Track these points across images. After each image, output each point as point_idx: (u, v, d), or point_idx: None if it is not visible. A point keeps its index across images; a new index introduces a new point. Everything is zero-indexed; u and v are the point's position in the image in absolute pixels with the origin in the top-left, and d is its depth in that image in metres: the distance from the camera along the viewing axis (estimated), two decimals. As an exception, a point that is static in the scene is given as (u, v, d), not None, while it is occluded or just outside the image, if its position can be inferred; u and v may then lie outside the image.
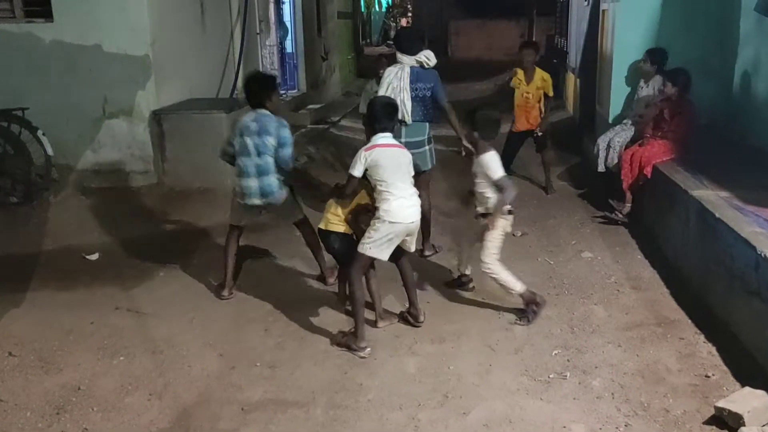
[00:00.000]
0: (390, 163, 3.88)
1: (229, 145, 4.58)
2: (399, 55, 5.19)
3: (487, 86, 16.18)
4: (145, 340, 4.07)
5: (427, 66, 5.16)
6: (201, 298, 4.70)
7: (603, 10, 8.05)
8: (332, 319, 4.34)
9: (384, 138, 3.95)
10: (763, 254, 3.43)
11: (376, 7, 32.62)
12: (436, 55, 5.25)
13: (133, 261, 5.41)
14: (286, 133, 4.49)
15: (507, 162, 7.13)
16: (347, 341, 3.97)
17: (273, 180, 4.49)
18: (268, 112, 4.49)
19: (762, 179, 4.93)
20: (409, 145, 4.61)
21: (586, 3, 9.61)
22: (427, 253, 5.38)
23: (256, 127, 4.43)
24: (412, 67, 5.13)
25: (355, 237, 4.08)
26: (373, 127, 3.99)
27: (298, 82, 12.19)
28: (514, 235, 5.83)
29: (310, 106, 11.75)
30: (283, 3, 11.51)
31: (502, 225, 4.31)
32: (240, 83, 8.61)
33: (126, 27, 6.54)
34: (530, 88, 7.01)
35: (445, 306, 4.52)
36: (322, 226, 4.18)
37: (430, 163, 5.31)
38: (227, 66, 8.50)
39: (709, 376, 3.47)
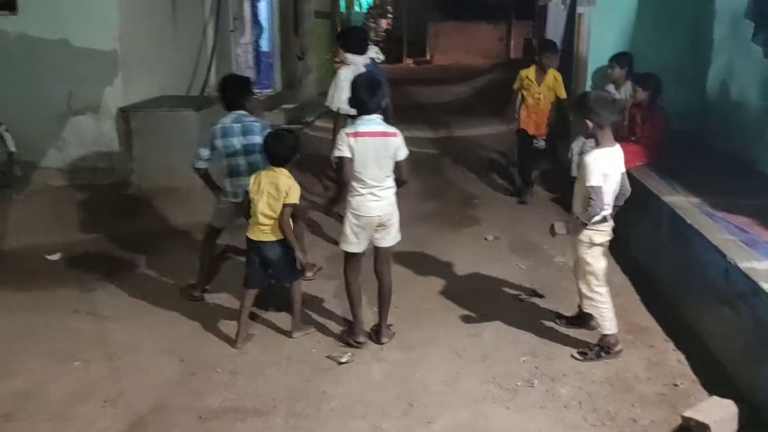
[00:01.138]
0: (366, 157, 3.70)
1: (204, 149, 4.47)
2: (351, 56, 5.27)
3: (465, 89, 16.14)
4: (102, 344, 3.93)
5: (378, 61, 5.39)
6: (164, 301, 4.55)
7: (579, 14, 8.03)
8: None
9: (368, 124, 3.73)
10: (733, 262, 3.40)
11: (356, 7, 32.53)
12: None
13: (96, 262, 5.25)
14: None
15: (529, 163, 6.99)
16: (345, 337, 3.99)
17: None
18: (246, 113, 4.51)
19: (733, 185, 4.93)
20: None
21: (563, 7, 9.61)
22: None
23: (240, 128, 4.45)
24: (366, 65, 5.27)
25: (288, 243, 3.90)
26: (357, 110, 3.82)
27: (273, 81, 12.02)
28: (486, 239, 5.80)
29: (285, 106, 11.59)
30: (258, 1, 11.35)
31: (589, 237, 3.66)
32: (212, 81, 8.47)
33: (93, 21, 6.34)
34: (542, 89, 6.67)
35: (414, 311, 4.43)
36: (253, 237, 3.93)
37: None
38: (199, 63, 8.32)
39: (677, 385, 3.43)
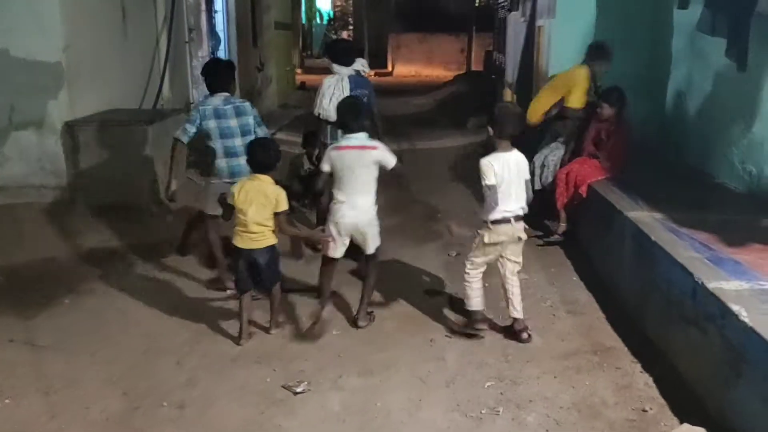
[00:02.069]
0: (341, 167, 4.08)
1: (191, 126, 4.63)
2: (336, 67, 5.44)
3: (427, 101, 16.10)
4: (38, 377, 3.64)
5: (363, 73, 5.61)
6: (109, 328, 4.29)
7: (539, 27, 8.01)
8: (256, 348, 4.03)
9: (348, 140, 4.16)
10: (700, 282, 3.31)
11: (317, 19, 32.39)
12: (376, 68, 5.60)
13: (37, 286, 4.92)
14: (256, 112, 4.85)
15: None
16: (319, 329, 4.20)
17: None
18: (231, 95, 4.75)
19: (695, 198, 4.90)
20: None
21: (523, 19, 9.61)
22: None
23: (232, 110, 4.67)
24: (350, 76, 5.44)
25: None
26: (342, 130, 4.32)
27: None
28: (449, 255, 5.66)
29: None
30: (215, 12, 11.11)
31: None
32: (165, 94, 8.20)
33: (36, 30, 6.03)
34: None
35: (374, 333, 4.26)
36: (242, 245, 4.00)
37: None
38: (152, 76, 8.05)
39: (646, 410, 3.31)
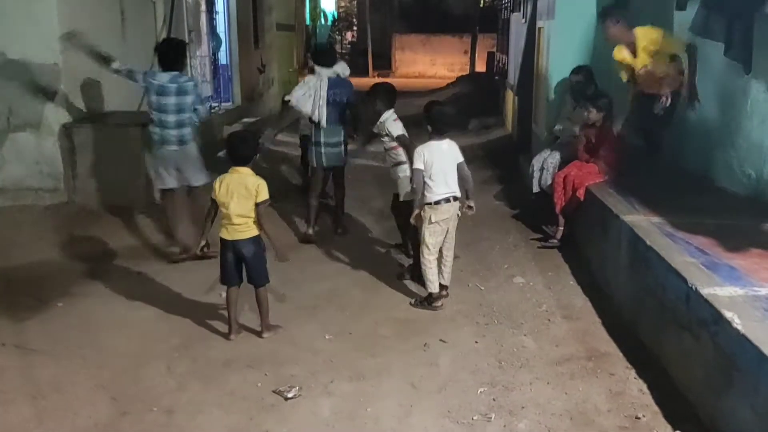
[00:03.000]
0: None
1: (131, 73, 5.27)
2: (318, 68, 5.88)
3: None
4: (27, 382, 3.62)
5: (343, 76, 5.90)
6: (101, 332, 4.26)
7: (539, 28, 7.97)
8: (248, 352, 3.99)
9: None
10: (694, 288, 3.26)
11: (322, 20, 32.39)
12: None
13: (31, 289, 4.90)
14: (200, 91, 5.34)
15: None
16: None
17: (188, 131, 5.24)
18: (180, 73, 5.18)
19: (692, 203, 4.85)
20: (326, 145, 5.88)
21: (523, 20, 9.57)
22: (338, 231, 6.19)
23: (175, 89, 5.12)
24: (329, 78, 5.80)
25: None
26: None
27: (232, 95, 11.77)
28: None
29: (245, 120, 11.34)
30: (216, 13, 11.10)
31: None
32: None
33: (33, 33, 6.05)
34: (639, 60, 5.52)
35: (367, 338, 4.22)
36: (227, 237, 4.05)
37: (337, 161, 6.04)
38: (151, 77, 8.04)
39: (639, 418, 3.26)
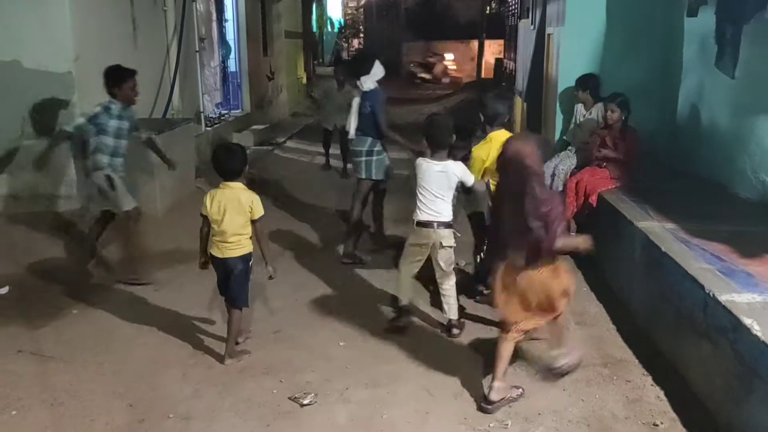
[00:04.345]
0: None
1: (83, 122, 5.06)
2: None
3: (437, 108, 16.04)
4: (44, 389, 3.64)
5: (362, 88, 5.58)
6: (116, 340, 4.28)
7: (548, 35, 7.98)
8: (263, 359, 4.00)
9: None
10: (712, 294, 3.25)
11: (328, 27, 32.51)
12: (387, 76, 5.74)
13: (46, 296, 4.94)
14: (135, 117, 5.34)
15: None
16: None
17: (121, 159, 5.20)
18: (117, 101, 5.07)
19: (706, 209, 4.83)
20: (353, 153, 5.73)
21: (532, 27, 9.58)
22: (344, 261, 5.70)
23: (127, 114, 5.16)
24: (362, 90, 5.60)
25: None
26: None
27: (242, 102, 11.83)
28: (458, 264, 5.61)
29: (255, 127, 11.41)
30: (226, 21, 11.17)
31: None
32: (175, 103, 8.24)
33: (47, 42, 6.12)
34: None
35: (382, 344, 4.23)
36: (219, 255, 3.86)
37: (365, 173, 5.67)
38: (162, 85, 8.09)
39: (657, 425, 3.25)
